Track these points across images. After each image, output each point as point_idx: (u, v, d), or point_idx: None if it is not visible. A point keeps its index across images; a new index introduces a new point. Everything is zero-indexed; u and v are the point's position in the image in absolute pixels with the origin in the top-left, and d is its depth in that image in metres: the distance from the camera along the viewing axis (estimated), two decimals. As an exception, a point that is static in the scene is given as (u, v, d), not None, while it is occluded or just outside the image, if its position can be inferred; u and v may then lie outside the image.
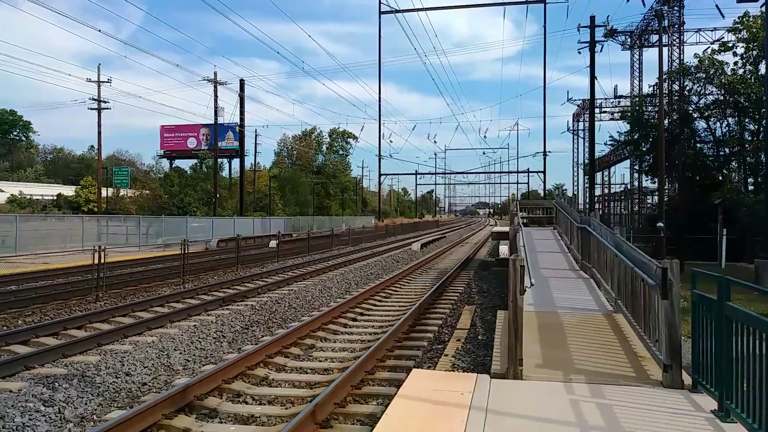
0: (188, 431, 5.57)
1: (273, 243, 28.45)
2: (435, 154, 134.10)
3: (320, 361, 8.32)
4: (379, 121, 54.69)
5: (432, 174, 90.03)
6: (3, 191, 51.71)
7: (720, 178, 29.35)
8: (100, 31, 64.56)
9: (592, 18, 33.75)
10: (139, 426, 5.39)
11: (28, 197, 52.43)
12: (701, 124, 31.34)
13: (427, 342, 9.31)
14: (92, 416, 6.07)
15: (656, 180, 30.00)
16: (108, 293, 13.60)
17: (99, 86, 42.34)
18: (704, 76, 29.75)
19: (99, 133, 42.64)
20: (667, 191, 29.21)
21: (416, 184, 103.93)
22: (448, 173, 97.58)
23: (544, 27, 56.62)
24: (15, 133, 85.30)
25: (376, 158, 58.19)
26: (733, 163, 30.91)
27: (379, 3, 53.37)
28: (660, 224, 22.16)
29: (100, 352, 8.35)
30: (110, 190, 53.28)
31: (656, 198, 32.18)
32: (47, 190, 59.92)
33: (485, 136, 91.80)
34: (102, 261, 13.47)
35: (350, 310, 12.08)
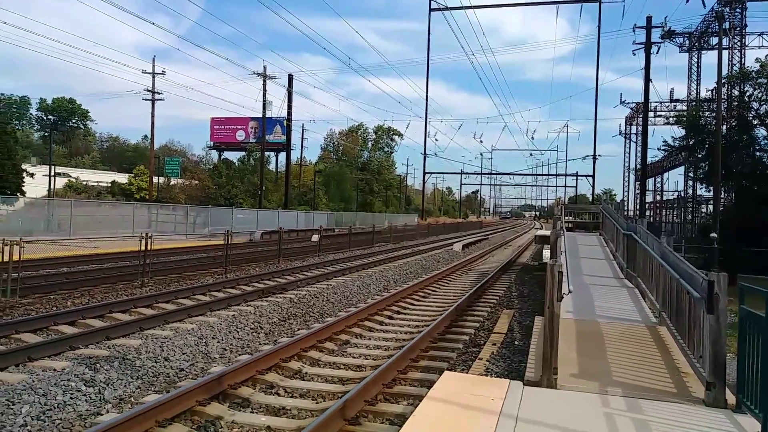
0: (220, 419, 5.67)
1: (315, 237, 28.75)
2: (481, 154, 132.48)
3: (354, 357, 8.35)
4: (426, 119, 54.46)
5: (477, 174, 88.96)
6: (61, 176, 53.87)
7: (780, 189, 27.97)
8: (153, 24, 66.67)
9: (649, 18, 32.68)
10: (173, 411, 5.53)
11: (84, 183, 54.56)
12: (761, 132, 29.99)
13: (463, 344, 9.22)
14: (130, 398, 6.25)
15: (711, 189, 28.89)
16: (153, 279, 14.00)
17: (153, 77, 43.74)
18: (766, 81, 28.46)
19: (152, 123, 44.07)
20: (722, 201, 28.06)
21: (461, 184, 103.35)
22: (493, 174, 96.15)
23: (599, 27, 54.74)
24: (73, 120, 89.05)
25: (420, 156, 58.09)
26: (794, 174, 29.44)
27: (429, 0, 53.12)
28: (713, 235, 21.33)
29: (142, 336, 8.61)
30: (161, 179, 54.90)
31: (711, 207, 30.96)
32: (102, 177, 62.25)
33: (533, 138, 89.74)
34: (149, 248, 13.85)
35: (387, 307, 12.08)
